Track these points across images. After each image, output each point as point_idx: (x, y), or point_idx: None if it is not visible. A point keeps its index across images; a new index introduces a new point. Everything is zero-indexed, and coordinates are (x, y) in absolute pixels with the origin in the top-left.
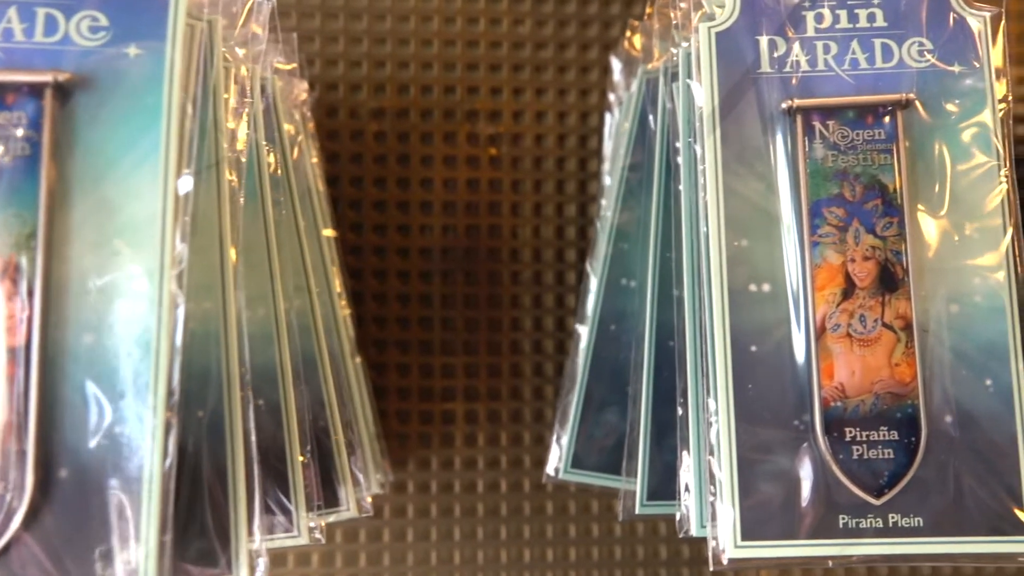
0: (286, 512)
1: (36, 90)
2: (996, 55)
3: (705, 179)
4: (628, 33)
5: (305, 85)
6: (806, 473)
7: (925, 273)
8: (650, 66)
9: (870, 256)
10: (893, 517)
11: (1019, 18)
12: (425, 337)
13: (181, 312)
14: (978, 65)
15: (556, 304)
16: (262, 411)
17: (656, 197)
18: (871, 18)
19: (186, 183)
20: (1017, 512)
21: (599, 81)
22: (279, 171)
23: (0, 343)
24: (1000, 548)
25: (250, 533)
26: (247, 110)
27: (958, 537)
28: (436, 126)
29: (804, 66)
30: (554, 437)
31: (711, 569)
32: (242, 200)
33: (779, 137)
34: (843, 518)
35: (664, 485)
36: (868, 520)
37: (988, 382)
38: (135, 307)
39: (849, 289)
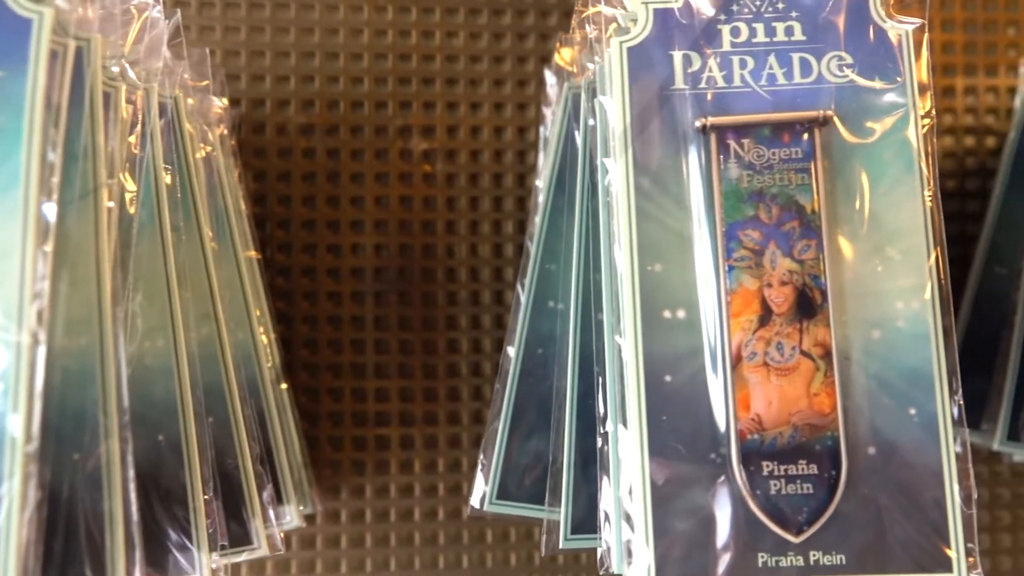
0: (187, 553)
1: None
2: (919, 69)
3: (616, 201)
4: (558, 46)
5: (222, 102)
6: (723, 510)
7: (845, 298)
8: (577, 81)
9: (787, 281)
10: (814, 555)
11: (943, 27)
12: (358, 360)
13: (42, 352)
14: (900, 80)
15: (495, 325)
16: (162, 447)
17: (579, 217)
18: (789, 32)
19: (50, 211)
20: (943, 548)
21: (537, 95)
22: (180, 194)
23: None
24: None
25: None
26: (137, 131)
27: (882, 575)
28: (367, 142)
29: (720, 82)
30: (479, 466)
31: None
32: (136, 227)
33: (693, 157)
34: (762, 556)
35: (590, 517)
36: (788, 558)
37: (912, 411)
38: None
39: (766, 315)
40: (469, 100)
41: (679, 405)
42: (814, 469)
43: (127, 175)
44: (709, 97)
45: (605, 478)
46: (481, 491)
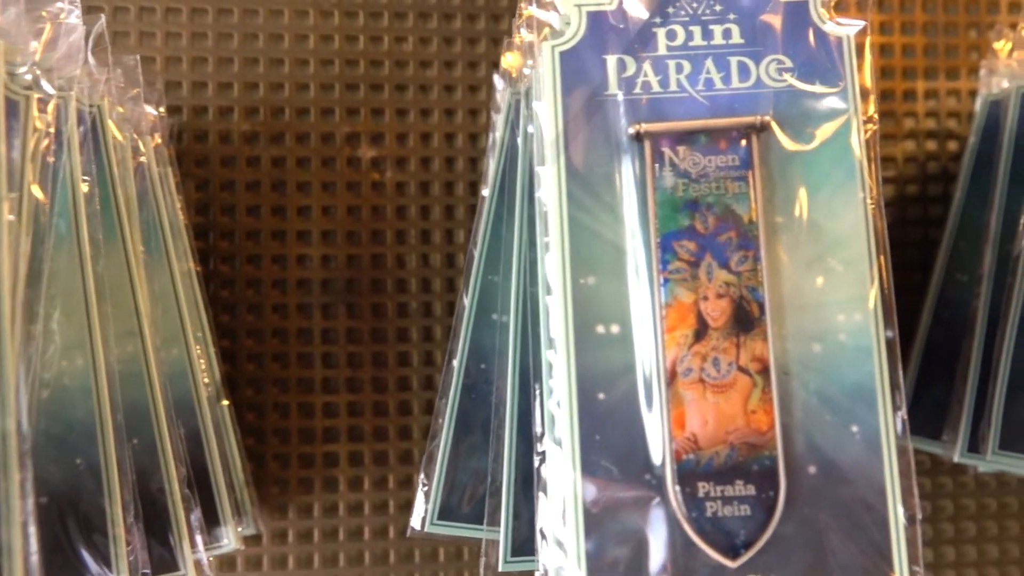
0: None
1: None
2: (862, 73)
3: (549, 210)
4: (504, 50)
5: (158, 111)
6: (658, 533)
7: (784, 310)
8: (519, 86)
9: (724, 293)
10: None
11: (903, 30)
12: (305, 375)
13: None
14: (841, 84)
15: (446, 337)
16: (81, 471)
17: (519, 227)
18: (727, 34)
19: None
20: (887, 571)
21: (488, 100)
22: (101, 205)
23: None
24: None
25: None
26: (48, 142)
27: None
28: (314, 150)
29: (655, 87)
30: (420, 486)
31: None
32: (51, 239)
33: (627, 165)
34: None
35: (531, 539)
36: None
37: (854, 428)
38: None
39: (702, 330)
40: (419, 106)
41: (613, 424)
42: (752, 490)
43: (38, 186)
44: (644, 102)
45: (543, 497)
46: (421, 512)
